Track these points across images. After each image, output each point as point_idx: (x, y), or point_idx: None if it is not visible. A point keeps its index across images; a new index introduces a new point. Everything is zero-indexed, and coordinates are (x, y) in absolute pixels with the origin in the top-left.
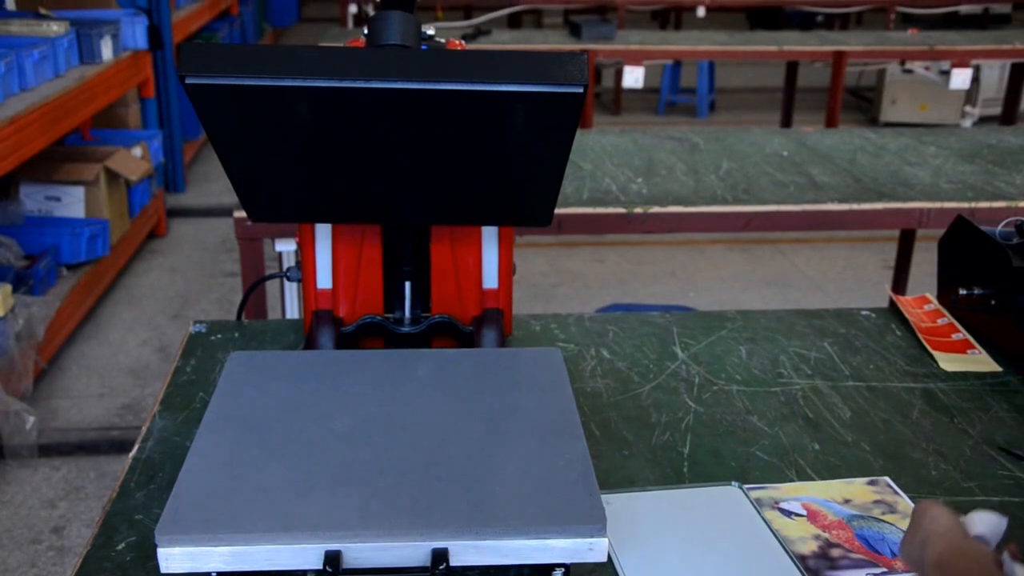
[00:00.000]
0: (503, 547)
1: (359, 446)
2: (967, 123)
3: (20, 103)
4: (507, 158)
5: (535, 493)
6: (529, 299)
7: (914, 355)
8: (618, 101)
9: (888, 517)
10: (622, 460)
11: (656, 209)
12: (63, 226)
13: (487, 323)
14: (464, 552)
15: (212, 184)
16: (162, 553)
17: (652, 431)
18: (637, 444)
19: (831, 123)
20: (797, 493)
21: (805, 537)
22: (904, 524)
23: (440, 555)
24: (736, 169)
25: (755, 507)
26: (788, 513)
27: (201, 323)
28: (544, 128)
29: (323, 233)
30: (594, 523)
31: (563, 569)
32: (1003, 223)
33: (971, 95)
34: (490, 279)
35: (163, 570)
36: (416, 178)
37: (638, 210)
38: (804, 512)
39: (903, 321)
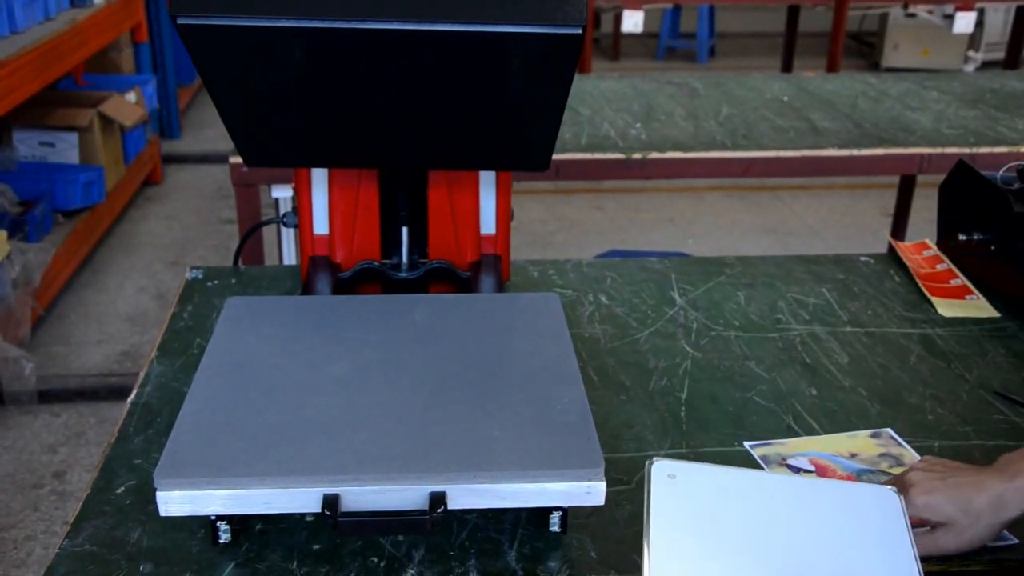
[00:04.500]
0: (501, 490)
1: (357, 391)
2: (970, 68)
3: (10, 46)
4: (505, 101)
5: (533, 437)
6: (527, 246)
7: (912, 301)
8: (617, 46)
9: (895, 470)
10: (620, 405)
11: (655, 155)
12: (58, 172)
13: (485, 269)
14: (462, 495)
15: (208, 130)
16: (161, 496)
17: (650, 376)
18: (635, 389)
19: (832, 68)
20: (803, 448)
21: None
22: None
23: (438, 498)
24: (736, 114)
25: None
26: (796, 469)
27: (198, 269)
28: (542, 70)
29: (319, 178)
30: (592, 467)
31: (560, 512)
32: (1004, 168)
33: (974, 39)
34: (488, 224)
35: (162, 513)
36: (412, 121)
37: (637, 155)
38: (813, 468)
39: (902, 267)
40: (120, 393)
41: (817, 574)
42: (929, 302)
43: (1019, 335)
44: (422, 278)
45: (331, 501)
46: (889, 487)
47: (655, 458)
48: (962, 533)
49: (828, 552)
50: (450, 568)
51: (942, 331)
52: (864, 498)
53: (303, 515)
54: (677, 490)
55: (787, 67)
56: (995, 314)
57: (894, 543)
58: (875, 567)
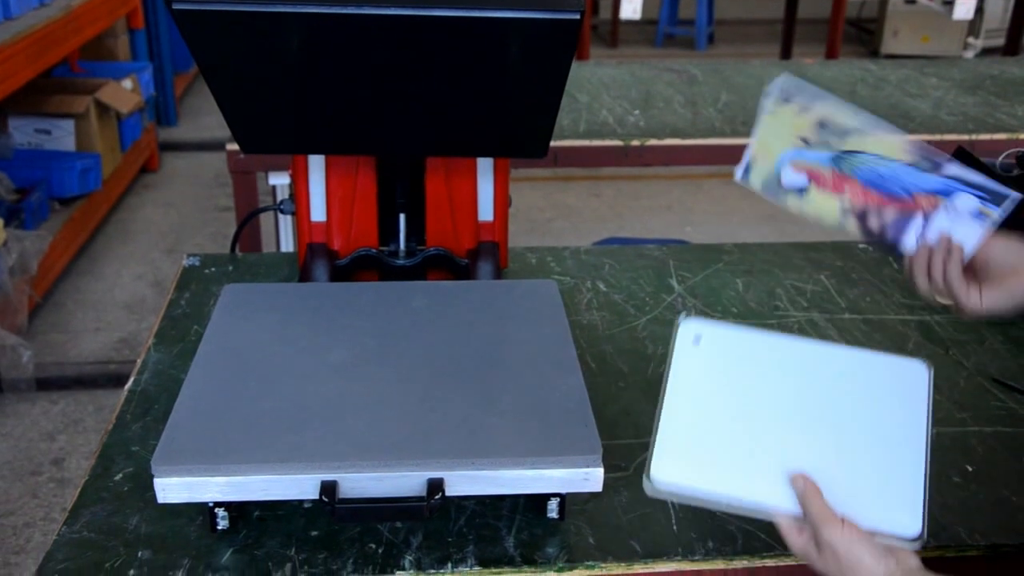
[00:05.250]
0: (499, 477)
1: (354, 378)
2: (969, 54)
3: (4, 32)
4: (503, 87)
5: (531, 424)
6: (525, 233)
7: (911, 288)
8: (615, 33)
9: (851, 143)
10: (617, 392)
11: (653, 142)
12: (54, 159)
13: (482, 256)
14: (460, 482)
15: (205, 117)
16: (159, 483)
17: (648, 363)
18: (632, 376)
19: (831, 55)
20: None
21: (835, 215)
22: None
23: (436, 485)
24: (735, 101)
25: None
26: (799, 191)
27: (195, 256)
28: (540, 56)
29: (317, 165)
30: (590, 453)
31: (558, 499)
32: (1003, 155)
33: (974, 26)
34: (485, 211)
35: (160, 500)
36: (410, 107)
37: (635, 142)
38: (807, 180)
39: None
40: (117, 380)
41: (820, 436)
42: None
43: (1017, 322)
44: (420, 265)
45: (329, 488)
46: (921, 360)
47: (684, 315)
48: None
49: (837, 417)
50: (448, 554)
51: (940, 318)
52: (891, 369)
53: (301, 501)
54: (701, 351)
55: (786, 54)
56: None
57: (910, 416)
58: (884, 436)
